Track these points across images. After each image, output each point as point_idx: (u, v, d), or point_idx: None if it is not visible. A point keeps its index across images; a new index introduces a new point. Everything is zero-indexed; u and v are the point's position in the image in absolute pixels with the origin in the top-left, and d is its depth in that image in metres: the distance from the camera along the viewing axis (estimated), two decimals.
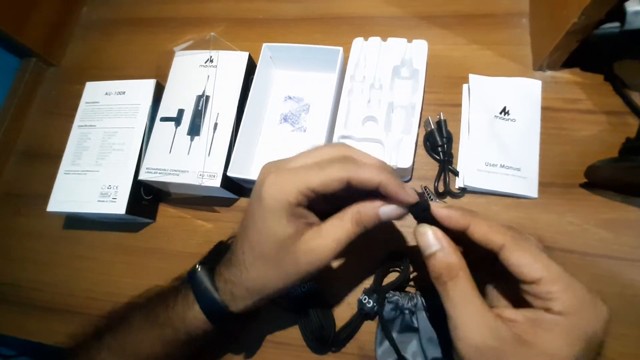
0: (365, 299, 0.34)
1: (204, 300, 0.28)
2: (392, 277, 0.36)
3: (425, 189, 0.39)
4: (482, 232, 0.22)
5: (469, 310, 0.21)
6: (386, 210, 0.24)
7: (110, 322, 0.32)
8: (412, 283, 0.36)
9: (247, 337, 0.38)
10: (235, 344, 0.38)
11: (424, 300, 0.32)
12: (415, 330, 0.33)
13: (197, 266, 0.29)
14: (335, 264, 0.39)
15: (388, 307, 0.33)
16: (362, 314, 0.34)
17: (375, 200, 0.25)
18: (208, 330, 0.29)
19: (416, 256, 0.26)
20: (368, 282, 0.37)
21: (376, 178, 0.23)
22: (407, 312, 0.33)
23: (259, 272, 0.26)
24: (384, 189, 0.24)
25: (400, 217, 0.25)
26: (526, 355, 0.20)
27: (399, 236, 0.38)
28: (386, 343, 0.33)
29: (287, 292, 0.28)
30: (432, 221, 0.24)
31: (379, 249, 0.37)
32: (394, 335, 0.33)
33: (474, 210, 0.24)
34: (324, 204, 0.26)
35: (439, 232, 0.23)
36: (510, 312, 0.21)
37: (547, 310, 0.20)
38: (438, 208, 0.24)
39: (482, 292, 0.22)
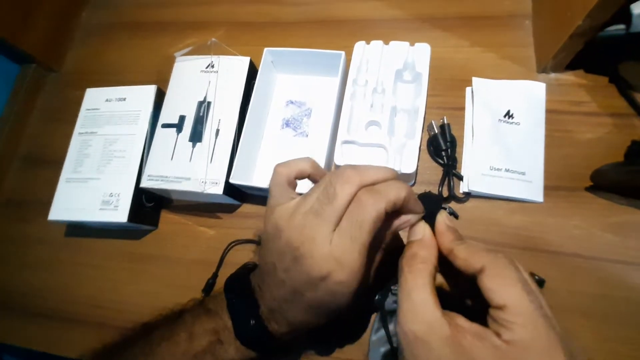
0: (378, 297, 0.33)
1: (249, 332, 0.27)
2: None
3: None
4: (463, 256, 0.22)
5: (416, 300, 0.21)
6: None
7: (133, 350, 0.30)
8: None
9: None
10: None
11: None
12: None
13: (233, 299, 0.28)
14: None
15: (391, 298, 0.33)
16: (381, 313, 0.34)
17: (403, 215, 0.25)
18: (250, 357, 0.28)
19: None
20: None
21: (401, 195, 0.23)
22: None
23: (299, 311, 0.26)
24: (405, 206, 0.24)
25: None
26: (453, 358, 0.20)
27: None
28: (382, 332, 0.33)
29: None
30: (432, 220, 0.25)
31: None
32: (392, 326, 0.33)
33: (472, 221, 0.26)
34: None
35: (428, 229, 0.25)
36: (461, 320, 0.21)
37: (497, 334, 0.20)
38: (441, 218, 0.25)
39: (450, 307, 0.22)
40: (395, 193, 0.23)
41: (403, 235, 0.37)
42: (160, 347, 0.28)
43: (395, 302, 0.33)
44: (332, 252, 0.23)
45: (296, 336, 0.28)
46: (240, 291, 0.28)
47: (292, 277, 0.24)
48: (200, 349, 0.27)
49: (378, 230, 0.23)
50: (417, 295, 0.21)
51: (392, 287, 0.33)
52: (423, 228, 0.25)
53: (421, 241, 0.24)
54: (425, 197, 0.26)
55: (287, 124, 0.45)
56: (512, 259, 0.22)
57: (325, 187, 0.24)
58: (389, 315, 0.33)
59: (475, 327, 0.20)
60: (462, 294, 0.26)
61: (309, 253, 0.23)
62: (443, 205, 0.38)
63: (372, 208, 0.22)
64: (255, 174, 0.43)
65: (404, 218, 0.25)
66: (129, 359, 0.29)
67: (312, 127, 0.44)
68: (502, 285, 0.20)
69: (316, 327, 0.27)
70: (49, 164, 0.51)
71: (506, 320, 0.19)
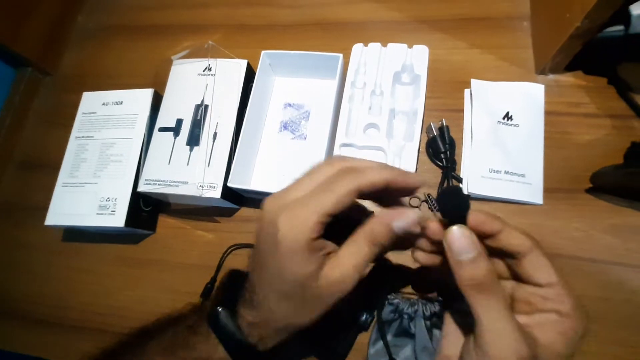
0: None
1: (231, 344, 0.26)
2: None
3: (429, 197, 0.39)
4: (512, 237, 0.23)
5: (501, 326, 0.21)
6: (399, 224, 0.23)
7: (122, 354, 0.30)
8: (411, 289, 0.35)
9: None
10: None
11: (425, 308, 0.32)
12: (412, 336, 0.32)
13: (218, 309, 0.27)
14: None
15: (388, 308, 0.33)
16: (380, 322, 0.34)
17: (385, 213, 0.23)
18: None
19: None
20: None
21: (382, 176, 0.23)
22: (406, 316, 0.33)
23: (284, 313, 0.25)
24: (394, 184, 0.23)
25: (416, 226, 0.23)
26: (542, 356, 0.21)
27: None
28: (380, 344, 0.33)
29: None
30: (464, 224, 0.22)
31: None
32: (389, 337, 0.33)
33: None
34: (339, 233, 0.25)
35: (476, 238, 0.21)
36: (523, 319, 0.22)
37: (557, 312, 0.22)
38: (475, 212, 0.22)
39: None
40: (375, 173, 0.23)
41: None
42: None
43: (393, 312, 0.33)
44: (289, 216, 0.22)
45: (282, 345, 0.27)
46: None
47: (265, 250, 0.24)
48: None
49: (355, 211, 0.23)
50: (504, 321, 0.21)
51: (388, 297, 0.33)
52: (472, 240, 0.21)
53: (481, 256, 0.21)
54: (448, 195, 0.23)
55: (285, 126, 0.44)
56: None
57: (310, 170, 0.24)
58: (386, 325, 0.33)
59: (535, 318, 0.22)
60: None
61: (279, 223, 0.22)
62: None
63: (344, 182, 0.22)
64: (253, 177, 0.42)
65: (400, 220, 0.23)
66: None
67: (311, 130, 0.44)
68: (550, 264, 0.22)
69: (300, 330, 0.26)
70: (44, 168, 0.50)
71: (558, 294, 0.22)
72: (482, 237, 0.22)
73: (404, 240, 0.24)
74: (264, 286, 0.25)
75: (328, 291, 0.24)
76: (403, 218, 0.23)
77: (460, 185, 0.38)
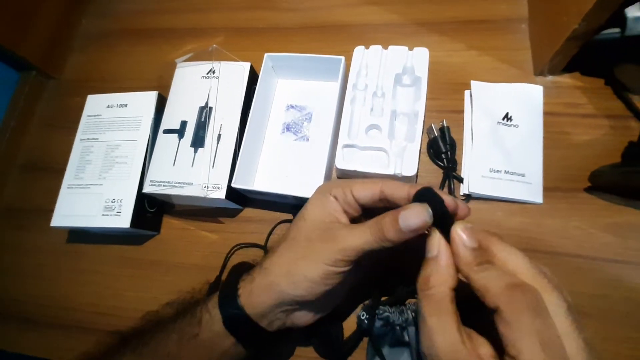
0: (363, 315, 0.33)
1: (224, 299, 0.28)
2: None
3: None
4: (478, 288, 0.20)
5: (432, 325, 0.20)
6: (404, 213, 0.23)
7: (142, 328, 0.31)
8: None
9: None
10: None
11: (415, 316, 0.32)
12: (406, 344, 0.33)
13: (222, 278, 0.31)
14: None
15: (378, 323, 0.33)
16: (361, 330, 0.34)
17: (395, 210, 0.24)
18: (217, 330, 0.27)
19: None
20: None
21: (405, 187, 0.25)
22: (397, 327, 0.33)
23: (280, 249, 0.28)
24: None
25: (422, 223, 0.23)
26: None
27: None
28: (377, 359, 0.33)
29: (294, 294, 0.27)
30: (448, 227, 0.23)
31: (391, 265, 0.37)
32: (386, 350, 0.33)
33: (495, 233, 0.23)
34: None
35: (443, 243, 0.22)
36: (485, 349, 0.20)
37: None
38: (462, 229, 0.22)
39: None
40: (400, 184, 0.25)
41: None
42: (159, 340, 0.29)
43: (384, 325, 0.33)
44: (327, 184, 0.29)
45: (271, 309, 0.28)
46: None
47: (301, 212, 0.29)
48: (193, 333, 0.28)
49: (372, 203, 0.27)
50: (432, 321, 0.20)
51: (377, 312, 0.33)
52: (437, 243, 0.22)
53: (435, 261, 0.22)
54: (425, 195, 0.23)
55: (287, 128, 0.45)
56: (544, 297, 0.19)
57: None
58: (380, 339, 0.33)
59: (492, 354, 0.20)
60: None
61: (319, 187, 0.29)
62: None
63: (374, 181, 0.27)
64: (256, 178, 0.43)
65: (407, 211, 0.23)
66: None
67: (313, 131, 0.44)
68: (515, 335, 0.18)
69: (295, 290, 0.27)
70: (48, 171, 0.51)
71: None
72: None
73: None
74: (289, 232, 0.28)
75: (319, 239, 0.26)
76: (408, 211, 0.23)
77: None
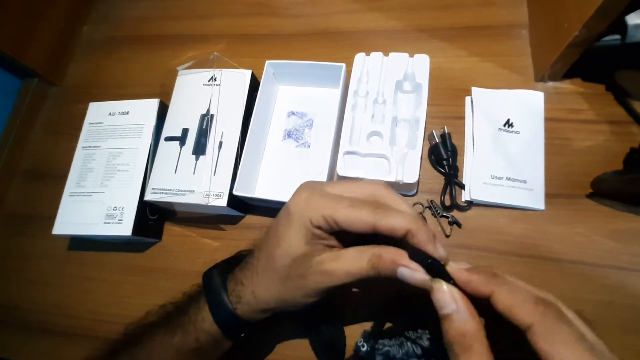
0: (360, 342, 0.33)
1: (213, 299, 0.28)
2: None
3: (432, 203, 0.39)
4: (507, 304, 0.20)
5: None
6: (405, 272, 0.22)
7: (127, 336, 0.32)
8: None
9: (258, 352, 0.38)
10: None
11: (415, 347, 0.31)
12: None
13: (212, 268, 0.30)
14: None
15: (379, 358, 0.32)
16: (358, 357, 0.34)
17: (399, 253, 0.23)
18: (217, 338, 0.28)
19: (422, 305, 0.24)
20: (379, 303, 0.37)
21: (405, 226, 0.22)
22: None
23: (267, 282, 0.27)
24: (411, 238, 0.23)
25: (419, 285, 0.22)
26: None
27: None
28: None
29: (294, 309, 0.28)
30: (450, 281, 0.22)
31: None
32: None
33: (497, 270, 0.22)
34: (351, 236, 0.25)
35: (456, 292, 0.21)
36: None
37: None
38: (458, 270, 0.22)
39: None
40: (399, 221, 0.23)
41: None
42: (153, 341, 0.30)
43: None
44: (307, 196, 0.26)
45: (260, 313, 0.28)
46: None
47: (279, 215, 0.27)
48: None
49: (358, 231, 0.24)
50: None
51: (377, 347, 0.32)
52: (450, 294, 0.21)
53: (460, 312, 0.20)
54: (426, 266, 0.23)
55: (289, 134, 0.45)
56: (562, 309, 0.19)
57: (356, 179, 0.30)
58: None
59: None
60: (514, 341, 0.21)
61: (297, 197, 0.26)
62: (445, 214, 0.39)
63: (367, 211, 0.24)
64: (258, 185, 0.43)
65: (408, 271, 0.22)
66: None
67: (314, 138, 0.44)
68: (559, 348, 0.18)
69: (279, 306, 0.27)
70: (51, 177, 0.51)
71: None
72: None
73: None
74: (261, 250, 0.27)
75: (313, 277, 0.25)
76: (410, 274, 0.22)
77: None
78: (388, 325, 0.35)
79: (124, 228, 0.40)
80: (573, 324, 0.19)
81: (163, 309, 0.32)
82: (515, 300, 0.19)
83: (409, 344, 0.32)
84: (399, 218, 0.23)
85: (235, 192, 0.39)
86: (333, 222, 0.24)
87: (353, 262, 0.24)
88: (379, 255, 0.23)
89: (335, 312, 0.36)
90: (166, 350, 0.29)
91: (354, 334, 0.36)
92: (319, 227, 0.24)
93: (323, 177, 0.38)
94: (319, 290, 0.26)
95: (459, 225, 0.38)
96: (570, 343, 0.18)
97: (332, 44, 0.50)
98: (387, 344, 0.32)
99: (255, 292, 0.27)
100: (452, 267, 0.22)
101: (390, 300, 0.36)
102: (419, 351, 0.31)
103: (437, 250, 0.22)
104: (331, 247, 0.26)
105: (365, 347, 0.33)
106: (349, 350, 0.36)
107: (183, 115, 0.43)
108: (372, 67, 0.42)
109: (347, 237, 0.26)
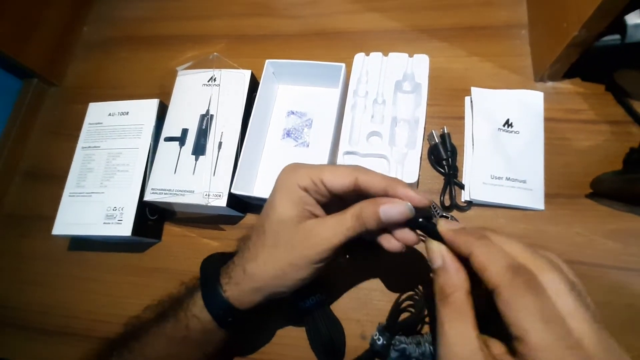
0: (376, 336, 0.33)
1: (204, 283, 0.28)
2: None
3: (432, 204, 0.39)
4: (480, 266, 0.20)
5: (451, 334, 0.20)
6: (386, 208, 0.24)
7: (126, 332, 0.32)
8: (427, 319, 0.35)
9: (256, 352, 0.38)
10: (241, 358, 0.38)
11: (432, 348, 0.31)
12: None
13: (213, 255, 0.31)
14: (345, 282, 0.38)
15: (394, 354, 0.32)
16: (373, 351, 0.34)
17: (378, 199, 0.25)
18: (206, 326, 0.28)
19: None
20: (376, 302, 0.37)
21: (383, 182, 0.24)
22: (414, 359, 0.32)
23: (257, 253, 0.27)
24: (392, 191, 0.24)
25: (402, 219, 0.24)
26: None
27: (418, 262, 0.37)
28: None
29: (286, 290, 0.28)
30: (440, 239, 0.24)
31: (395, 264, 0.37)
32: None
33: (487, 230, 0.23)
34: (335, 207, 0.27)
35: (443, 249, 0.23)
36: (498, 349, 0.20)
37: None
38: (446, 230, 0.23)
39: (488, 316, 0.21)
40: (377, 177, 0.25)
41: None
42: (148, 332, 0.30)
43: (400, 356, 0.32)
44: (292, 167, 0.27)
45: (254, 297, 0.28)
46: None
47: (270, 195, 0.28)
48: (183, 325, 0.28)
49: (342, 193, 0.26)
50: (450, 329, 0.20)
51: (393, 342, 0.32)
52: (439, 251, 0.23)
53: (443, 269, 0.22)
54: (415, 216, 0.25)
55: (288, 134, 0.45)
56: (540, 276, 0.19)
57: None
58: None
59: (507, 355, 0.19)
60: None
61: (283, 170, 0.28)
62: (445, 214, 0.39)
63: (347, 169, 0.26)
64: (256, 184, 0.43)
65: (389, 205, 0.24)
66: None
67: (313, 137, 0.44)
68: (517, 314, 0.18)
69: (274, 283, 0.27)
70: (51, 178, 0.51)
71: (526, 355, 0.18)
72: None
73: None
74: (256, 224, 0.28)
75: (302, 243, 0.25)
76: (392, 207, 0.24)
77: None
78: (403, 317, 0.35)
79: (124, 228, 0.40)
80: (544, 295, 0.18)
81: (160, 303, 0.33)
82: (488, 263, 0.20)
83: (427, 344, 0.32)
84: (377, 176, 0.25)
85: (233, 191, 0.39)
86: (319, 182, 0.25)
87: (337, 221, 0.25)
88: (360, 207, 0.25)
89: (331, 311, 0.36)
90: (158, 339, 0.29)
91: (355, 334, 0.36)
92: (305, 190, 0.26)
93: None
94: (309, 260, 0.26)
95: None
96: (529, 312, 0.18)
97: (332, 44, 0.50)
98: (404, 342, 0.32)
99: (246, 268, 0.27)
100: (442, 227, 0.23)
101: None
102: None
103: (418, 196, 0.24)
104: (316, 216, 0.27)
105: (381, 340, 0.33)
106: (349, 350, 0.36)
107: (183, 115, 0.43)
108: (371, 67, 0.42)
109: (332, 209, 0.27)
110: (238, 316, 0.28)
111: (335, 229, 0.25)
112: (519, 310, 0.18)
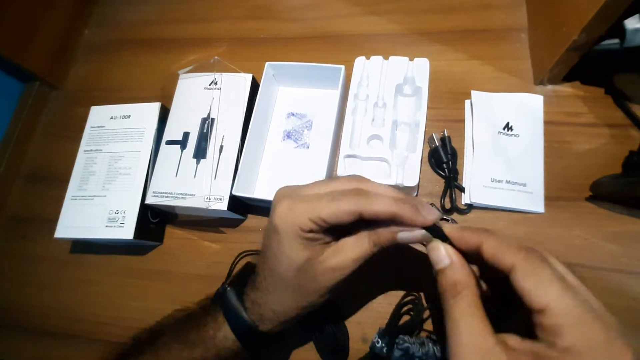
0: (376, 339, 0.33)
1: (234, 319, 0.28)
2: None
3: (432, 205, 0.40)
4: (492, 251, 0.21)
5: (467, 330, 0.20)
6: (404, 235, 0.24)
7: (137, 346, 0.31)
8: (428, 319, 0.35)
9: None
10: None
11: (436, 349, 0.31)
12: None
13: (226, 286, 0.30)
14: (346, 284, 0.38)
15: (397, 353, 0.32)
16: (372, 354, 0.34)
17: (393, 226, 0.25)
18: (238, 352, 0.29)
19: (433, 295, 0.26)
20: (377, 304, 0.37)
21: (389, 210, 0.23)
22: (417, 359, 0.32)
23: (281, 296, 0.27)
24: (399, 219, 0.24)
25: (419, 241, 0.25)
26: None
27: (418, 265, 0.37)
28: None
29: (312, 310, 0.28)
30: (446, 240, 0.24)
31: (396, 267, 0.37)
32: None
33: (488, 228, 0.24)
34: (340, 229, 0.26)
35: (450, 248, 0.23)
36: (514, 341, 0.20)
37: (552, 345, 0.18)
38: (452, 228, 0.24)
39: (496, 319, 0.22)
40: (383, 204, 0.24)
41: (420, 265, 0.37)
42: (170, 353, 0.29)
43: (403, 355, 0.32)
44: (288, 205, 0.26)
45: (282, 325, 0.28)
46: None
47: (268, 231, 0.27)
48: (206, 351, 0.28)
49: (346, 223, 0.24)
50: (465, 325, 0.20)
51: (396, 341, 0.33)
52: (446, 251, 0.23)
53: (452, 265, 0.23)
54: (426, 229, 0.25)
55: (288, 135, 0.45)
56: (546, 255, 0.21)
57: (329, 178, 0.28)
58: None
59: (528, 345, 0.19)
60: (507, 295, 0.23)
61: (277, 209, 0.26)
62: (445, 217, 0.39)
63: (350, 200, 0.24)
64: (257, 185, 0.43)
65: (406, 233, 0.24)
66: None
67: (313, 139, 0.45)
68: (540, 285, 0.19)
69: (300, 315, 0.28)
70: (53, 180, 0.51)
71: (552, 325, 0.18)
72: (473, 252, 0.23)
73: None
74: (264, 269, 0.27)
75: (324, 276, 0.25)
76: (409, 234, 0.24)
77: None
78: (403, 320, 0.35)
79: (126, 231, 0.40)
80: (555, 267, 0.20)
81: (174, 319, 0.32)
82: (500, 246, 0.21)
83: (430, 344, 0.32)
84: (381, 203, 0.24)
85: (234, 193, 0.39)
86: (321, 222, 0.24)
87: (354, 248, 0.25)
88: (376, 232, 0.25)
89: (338, 312, 0.37)
90: None
91: (356, 337, 0.36)
92: (310, 231, 0.25)
93: (321, 177, 0.39)
94: (332, 287, 0.26)
95: None
96: (549, 281, 0.19)
97: (332, 47, 0.50)
98: (408, 341, 0.32)
99: (274, 309, 0.27)
100: (447, 227, 0.24)
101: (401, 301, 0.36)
102: (439, 354, 0.31)
103: (427, 219, 0.24)
104: (327, 243, 0.26)
105: (380, 343, 0.33)
106: (351, 352, 0.36)
107: (184, 119, 0.44)
108: (372, 71, 0.43)
109: (339, 229, 0.26)
110: (261, 338, 0.29)
111: (354, 255, 0.25)
112: (539, 281, 0.19)
